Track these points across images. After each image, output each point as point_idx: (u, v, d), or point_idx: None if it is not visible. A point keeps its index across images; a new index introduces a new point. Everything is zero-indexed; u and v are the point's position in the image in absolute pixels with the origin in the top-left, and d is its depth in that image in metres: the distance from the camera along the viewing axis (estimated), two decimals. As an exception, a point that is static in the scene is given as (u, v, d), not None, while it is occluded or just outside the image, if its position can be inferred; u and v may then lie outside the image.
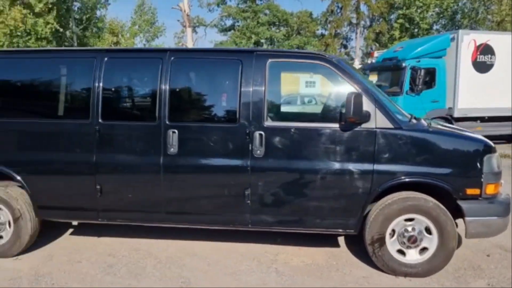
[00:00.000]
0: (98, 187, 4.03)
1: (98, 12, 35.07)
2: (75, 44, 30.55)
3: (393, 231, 3.83)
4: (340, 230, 3.98)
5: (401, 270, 3.82)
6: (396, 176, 3.76)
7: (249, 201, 3.89)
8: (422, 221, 3.77)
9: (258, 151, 3.83)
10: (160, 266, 4.04)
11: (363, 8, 32.88)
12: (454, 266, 4.00)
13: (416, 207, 3.76)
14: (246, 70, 3.89)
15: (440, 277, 3.81)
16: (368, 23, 34.44)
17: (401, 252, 3.85)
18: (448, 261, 3.83)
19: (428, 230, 3.79)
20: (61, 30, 26.49)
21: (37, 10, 24.53)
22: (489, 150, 3.78)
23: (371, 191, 3.78)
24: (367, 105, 3.72)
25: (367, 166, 3.77)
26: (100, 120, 3.99)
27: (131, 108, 4.25)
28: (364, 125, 3.74)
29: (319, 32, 35.31)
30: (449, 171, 3.74)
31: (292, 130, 3.88)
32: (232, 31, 34.38)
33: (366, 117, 3.70)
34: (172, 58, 4.02)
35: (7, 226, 4.19)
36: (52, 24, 25.26)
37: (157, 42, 40.63)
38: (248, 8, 33.80)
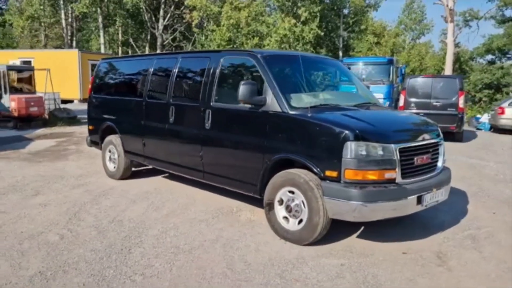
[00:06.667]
0: (143, 141, 6.35)
1: (368, 15, 37.19)
2: (340, 45, 33.86)
3: (282, 200, 4.48)
4: (252, 194, 4.87)
5: (282, 233, 4.45)
6: (278, 151, 4.41)
7: (202, 160, 5.34)
8: (299, 194, 4.28)
9: (207, 124, 5.21)
10: (165, 192, 6.11)
11: None
12: None
13: (292, 181, 4.30)
14: (210, 64, 5.30)
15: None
16: None
17: (287, 219, 4.46)
18: (314, 235, 4.16)
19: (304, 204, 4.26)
20: (322, 34, 29.99)
21: (302, 19, 28.83)
22: (353, 138, 3.89)
23: (263, 162, 4.55)
24: (266, 93, 4.54)
25: (261, 141, 4.57)
26: (146, 99, 6.27)
27: (158, 92, 6.21)
28: (263, 108, 4.56)
29: None
30: (313, 152, 4.12)
31: (226, 110, 5.07)
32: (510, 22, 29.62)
33: (261, 101, 4.52)
34: (181, 59, 5.86)
35: (117, 158, 7.08)
36: (315, 30, 29.07)
37: (423, 39, 39.37)
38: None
